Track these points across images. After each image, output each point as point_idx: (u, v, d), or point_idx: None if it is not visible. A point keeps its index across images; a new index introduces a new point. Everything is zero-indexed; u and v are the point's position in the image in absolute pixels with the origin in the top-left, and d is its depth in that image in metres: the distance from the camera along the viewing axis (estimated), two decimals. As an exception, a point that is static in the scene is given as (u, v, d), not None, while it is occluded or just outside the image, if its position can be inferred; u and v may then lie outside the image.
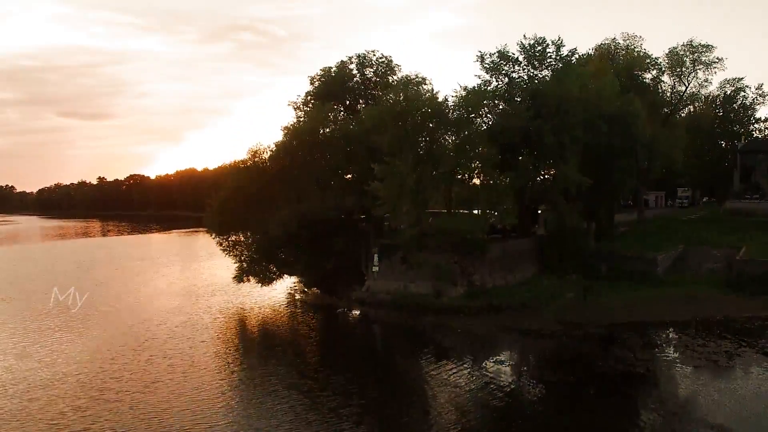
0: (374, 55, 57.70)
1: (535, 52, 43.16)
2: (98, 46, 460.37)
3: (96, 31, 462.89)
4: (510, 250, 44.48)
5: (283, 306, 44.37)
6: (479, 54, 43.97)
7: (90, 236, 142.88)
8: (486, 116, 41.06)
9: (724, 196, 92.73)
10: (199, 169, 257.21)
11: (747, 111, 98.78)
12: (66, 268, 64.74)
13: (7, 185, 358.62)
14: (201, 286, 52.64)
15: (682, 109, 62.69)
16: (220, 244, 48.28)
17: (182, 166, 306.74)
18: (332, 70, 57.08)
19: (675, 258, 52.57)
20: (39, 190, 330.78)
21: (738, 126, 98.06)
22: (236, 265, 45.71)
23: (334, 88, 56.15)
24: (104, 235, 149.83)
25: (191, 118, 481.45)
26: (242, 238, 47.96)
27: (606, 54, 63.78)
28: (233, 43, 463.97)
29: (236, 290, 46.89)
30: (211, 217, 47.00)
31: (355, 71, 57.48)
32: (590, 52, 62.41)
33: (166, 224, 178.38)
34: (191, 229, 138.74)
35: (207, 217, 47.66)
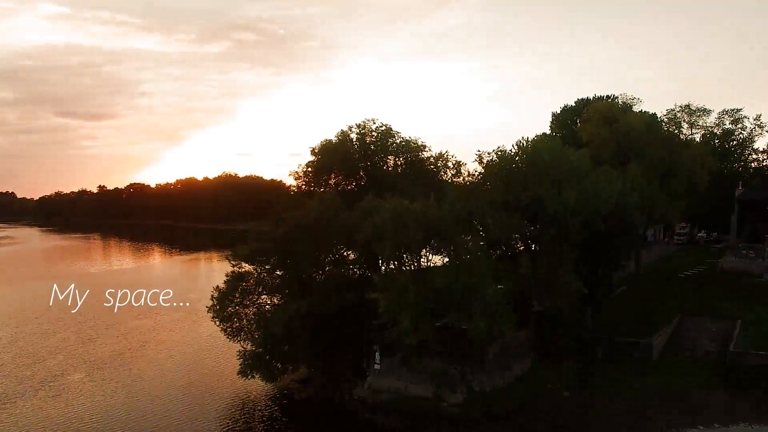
0: (374, 123, 59.42)
1: (533, 156, 43.61)
2: (98, 45, 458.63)
3: (95, 30, 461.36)
4: (507, 345, 45.20)
5: (284, 401, 45.13)
6: (478, 153, 44.56)
7: (89, 261, 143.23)
8: (483, 222, 41.52)
9: (722, 233, 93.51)
10: (200, 178, 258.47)
11: (746, 145, 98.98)
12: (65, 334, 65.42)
13: (7, 191, 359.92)
14: (205, 366, 53.65)
15: (679, 173, 63.13)
16: (224, 330, 49.00)
17: (182, 170, 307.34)
18: (333, 141, 58.42)
19: (671, 333, 53.34)
20: (39, 198, 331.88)
21: (736, 164, 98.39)
22: (240, 360, 46.23)
23: (335, 158, 57.38)
24: (105, 258, 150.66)
25: (191, 118, 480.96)
26: (245, 323, 48.70)
27: (604, 117, 64.37)
28: (233, 43, 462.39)
29: (239, 379, 47.45)
30: (215, 307, 47.82)
31: (355, 140, 58.80)
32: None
33: (166, 243, 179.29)
34: (191, 254, 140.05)
35: (212, 307, 48.33)
